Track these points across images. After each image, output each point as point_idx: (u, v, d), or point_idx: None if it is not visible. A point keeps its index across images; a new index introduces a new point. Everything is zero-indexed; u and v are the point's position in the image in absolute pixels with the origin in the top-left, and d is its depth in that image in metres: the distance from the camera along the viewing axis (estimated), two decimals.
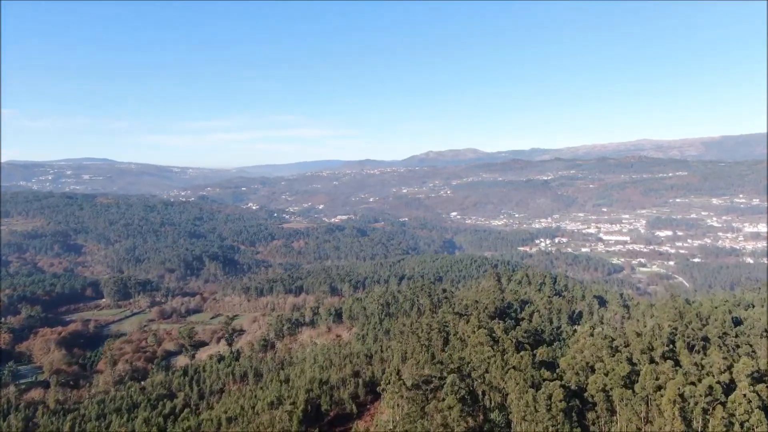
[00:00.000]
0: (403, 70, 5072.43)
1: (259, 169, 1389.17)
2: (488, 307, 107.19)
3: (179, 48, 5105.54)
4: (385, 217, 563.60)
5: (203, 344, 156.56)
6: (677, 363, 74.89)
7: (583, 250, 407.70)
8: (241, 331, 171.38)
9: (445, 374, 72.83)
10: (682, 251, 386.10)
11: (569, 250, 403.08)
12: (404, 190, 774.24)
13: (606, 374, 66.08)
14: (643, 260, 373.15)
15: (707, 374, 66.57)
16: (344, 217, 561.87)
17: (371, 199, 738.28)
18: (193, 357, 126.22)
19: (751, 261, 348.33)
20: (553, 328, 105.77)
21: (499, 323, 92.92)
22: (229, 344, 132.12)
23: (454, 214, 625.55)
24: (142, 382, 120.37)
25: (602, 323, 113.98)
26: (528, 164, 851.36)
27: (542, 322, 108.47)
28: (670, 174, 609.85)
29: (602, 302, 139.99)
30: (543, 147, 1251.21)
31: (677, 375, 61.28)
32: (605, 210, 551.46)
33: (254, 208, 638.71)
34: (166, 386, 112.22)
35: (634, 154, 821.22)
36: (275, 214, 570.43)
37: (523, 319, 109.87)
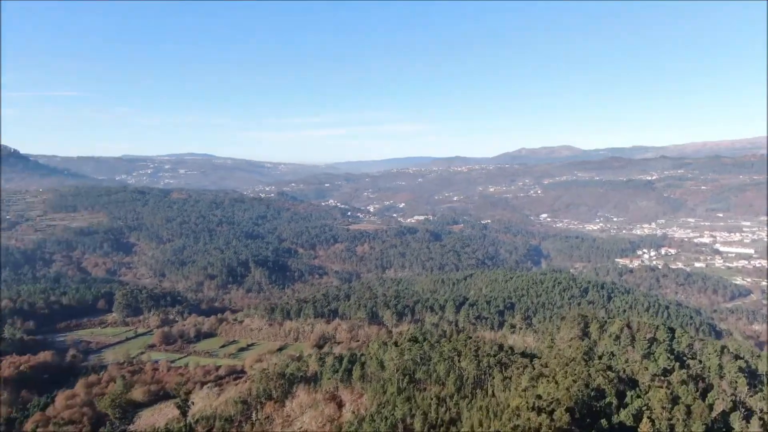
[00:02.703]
0: (497, 63, 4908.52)
1: (349, 165, 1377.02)
2: (559, 410, 59.22)
3: (280, 46, 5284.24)
4: (466, 218, 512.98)
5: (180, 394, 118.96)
6: None
7: (697, 264, 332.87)
8: (240, 375, 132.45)
9: None
10: None
11: (679, 264, 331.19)
12: (491, 189, 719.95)
13: None
14: None
15: None
16: (421, 218, 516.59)
17: (455, 198, 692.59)
18: None
19: None
20: None
21: None
22: (183, 414, 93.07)
23: (543, 216, 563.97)
24: None
25: None
26: (629, 162, 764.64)
27: None
28: None
29: (751, 376, 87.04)
30: (646, 144, 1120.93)
31: None
32: (721, 215, 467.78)
33: (332, 204, 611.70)
34: None
35: (752, 152, 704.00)
36: (348, 213, 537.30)
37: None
